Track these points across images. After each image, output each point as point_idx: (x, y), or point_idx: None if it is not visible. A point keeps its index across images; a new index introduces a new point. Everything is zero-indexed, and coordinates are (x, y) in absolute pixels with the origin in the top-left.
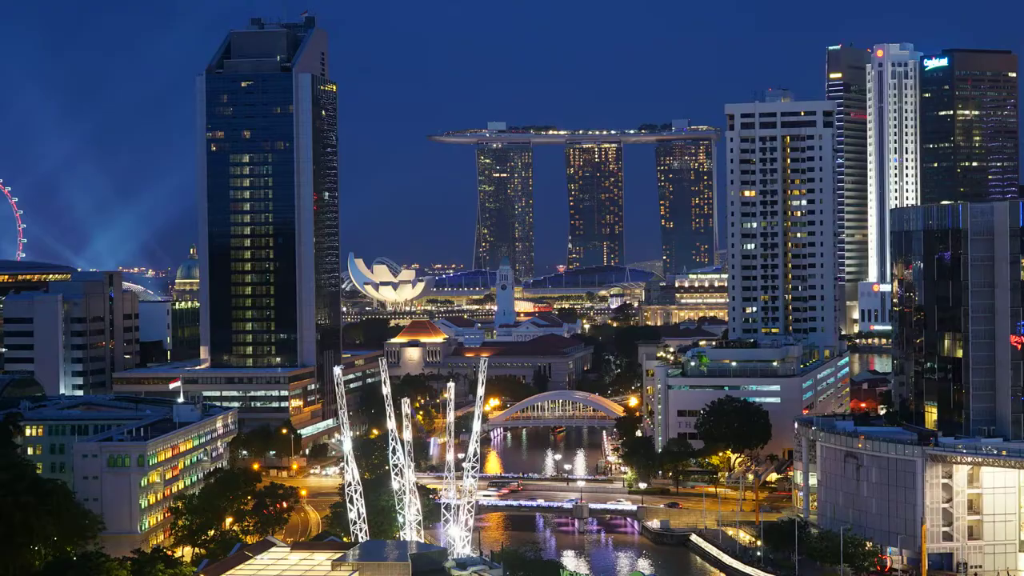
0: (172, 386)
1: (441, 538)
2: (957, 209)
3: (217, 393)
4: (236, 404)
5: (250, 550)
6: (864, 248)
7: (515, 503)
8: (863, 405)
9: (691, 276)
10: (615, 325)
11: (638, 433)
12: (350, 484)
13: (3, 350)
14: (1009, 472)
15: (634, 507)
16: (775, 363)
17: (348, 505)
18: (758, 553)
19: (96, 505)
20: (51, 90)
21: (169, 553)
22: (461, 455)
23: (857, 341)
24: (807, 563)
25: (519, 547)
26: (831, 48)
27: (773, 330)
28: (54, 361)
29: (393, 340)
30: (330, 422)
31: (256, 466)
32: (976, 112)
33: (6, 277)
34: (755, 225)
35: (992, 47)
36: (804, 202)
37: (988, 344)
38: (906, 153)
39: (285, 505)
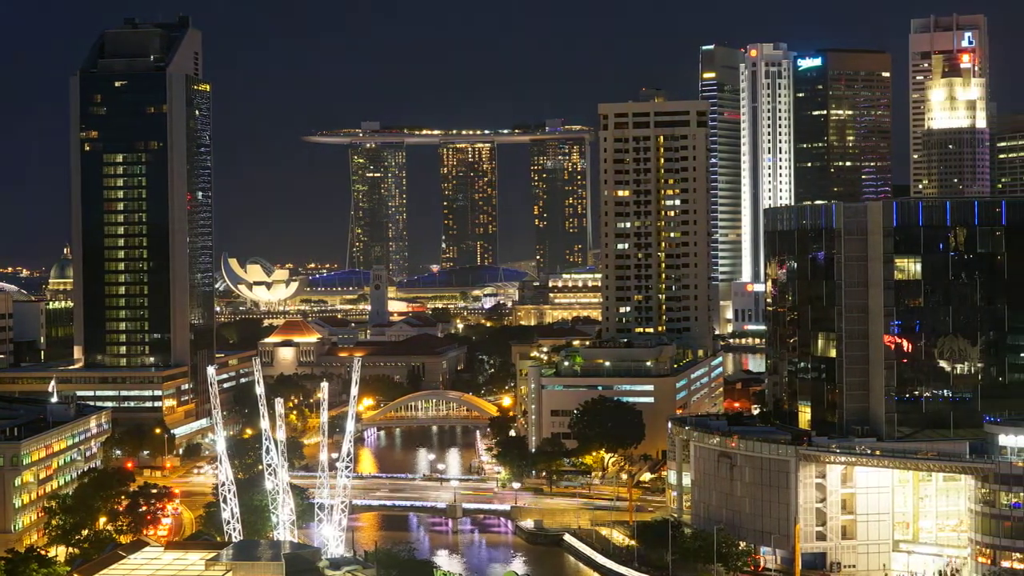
0: (51, 386)
1: (315, 538)
2: (831, 209)
3: (91, 393)
4: (110, 404)
5: (123, 550)
6: (738, 248)
7: (388, 503)
8: (737, 405)
9: (565, 276)
10: (489, 325)
11: (512, 433)
12: (223, 484)
13: None
14: (882, 471)
15: (507, 506)
16: (649, 363)
17: (222, 505)
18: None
19: None
20: None
21: (43, 553)
22: (335, 455)
23: (731, 341)
24: (681, 563)
25: (393, 546)
26: (705, 48)
27: (647, 330)
28: None
29: (267, 340)
30: (204, 422)
31: (130, 466)
32: (850, 112)
33: None
34: (629, 225)
35: (865, 47)
36: (678, 202)
37: (861, 344)
38: (780, 153)
39: (163, 506)
